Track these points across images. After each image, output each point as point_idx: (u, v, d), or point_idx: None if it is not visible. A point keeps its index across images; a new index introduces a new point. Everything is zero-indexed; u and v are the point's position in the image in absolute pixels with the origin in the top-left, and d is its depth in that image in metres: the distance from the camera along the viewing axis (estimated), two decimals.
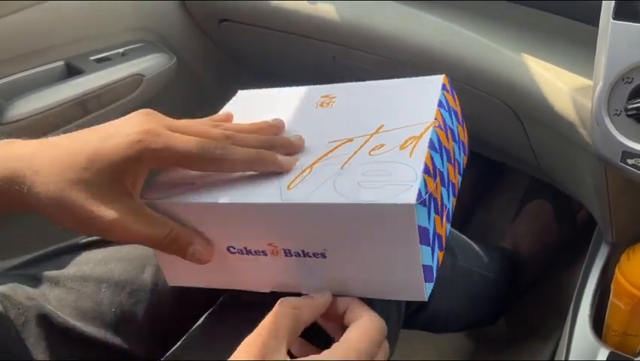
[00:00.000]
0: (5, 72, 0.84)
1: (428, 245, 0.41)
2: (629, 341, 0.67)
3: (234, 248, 0.46)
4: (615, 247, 0.74)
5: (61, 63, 0.89)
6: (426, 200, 0.40)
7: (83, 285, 0.56)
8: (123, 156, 0.41)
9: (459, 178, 0.51)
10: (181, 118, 0.46)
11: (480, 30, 0.68)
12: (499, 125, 0.77)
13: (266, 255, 0.45)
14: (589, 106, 0.55)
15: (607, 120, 0.53)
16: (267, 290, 0.47)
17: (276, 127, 0.50)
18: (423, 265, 0.41)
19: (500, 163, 1.04)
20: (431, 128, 0.45)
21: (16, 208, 0.44)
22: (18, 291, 0.54)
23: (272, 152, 0.45)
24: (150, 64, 0.93)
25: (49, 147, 0.43)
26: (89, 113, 0.87)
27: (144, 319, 0.57)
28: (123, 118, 0.44)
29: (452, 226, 0.77)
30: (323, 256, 0.43)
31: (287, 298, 0.42)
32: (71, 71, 0.89)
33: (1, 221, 0.89)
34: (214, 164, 0.43)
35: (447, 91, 0.51)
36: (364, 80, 0.88)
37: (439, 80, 0.51)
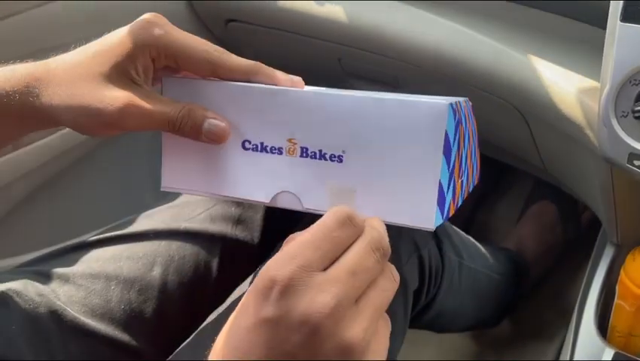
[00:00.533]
0: None
1: (448, 165, 0.41)
2: (634, 342, 0.68)
3: (250, 143, 0.45)
4: (620, 248, 0.74)
5: None
6: (456, 113, 0.41)
7: (92, 282, 0.57)
8: (125, 45, 0.43)
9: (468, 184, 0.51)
10: None
11: (487, 32, 0.68)
12: (505, 127, 0.77)
13: (281, 153, 0.44)
14: (595, 108, 0.55)
15: (614, 122, 0.53)
16: (267, 201, 0.45)
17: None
18: (440, 182, 0.41)
19: (503, 164, 1.04)
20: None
21: (31, 125, 0.47)
22: (29, 287, 0.54)
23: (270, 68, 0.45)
24: None
25: (60, 60, 0.45)
26: None
27: (152, 316, 0.58)
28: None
29: (456, 226, 0.78)
30: (340, 159, 0.43)
31: (338, 207, 0.36)
32: None
33: (11, 218, 0.89)
34: (211, 63, 0.44)
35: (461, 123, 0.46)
36: (371, 80, 0.88)
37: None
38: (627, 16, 0.50)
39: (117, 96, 0.43)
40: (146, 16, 0.44)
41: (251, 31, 0.95)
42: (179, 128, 0.44)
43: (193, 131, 0.44)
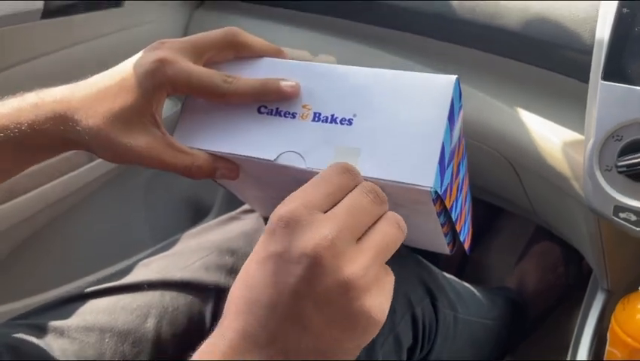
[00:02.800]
0: None
1: (451, 133, 0.44)
2: None
3: (266, 108, 0.48)
4: (611, 294, 0.75)
5: None
6: (461, 92, 0.45)
7: (86, 335, 0.57)
8: (143, 89, 0.46)
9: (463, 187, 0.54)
10: None
11: (477, 84, 0.70)
12: (496, 174, 0.79)
13: (294, 117, 0.47)
14: (581, 161, 0.56)
15: (598, 175, 0.54)
16: (272, 159, 0.46)
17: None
18: (442, 144, 0.42)
19: (496, 206, 1.06)
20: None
21: (61, 148, 0.50)
22: (24, 342, 0.55)
23: (275, 79, 0.48)
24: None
25: (82, 87, 0.49)
26: (95, 159, 0.89)
27: None
28: (138, 54, 0.49)
29: (454, 273, 0.79)
30: (349, 122, 0.45)
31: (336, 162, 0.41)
32: None
33: (9, 261, 0.90)
34: (220, 96, 0.47)
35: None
36: None
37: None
38: (608, 75, 0.52)
39: (137, 144, 0.47)
40: (157, 53, 0.47)
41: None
42: (192, 176, 0.48)
43: (204, 177, 0.49)
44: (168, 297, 0.61)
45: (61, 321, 0.58)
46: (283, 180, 0.48)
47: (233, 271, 0.64)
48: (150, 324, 0.59)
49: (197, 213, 1.17)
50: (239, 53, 0.50)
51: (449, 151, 0.45)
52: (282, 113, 0.47)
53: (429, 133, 0.43)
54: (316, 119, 0.46)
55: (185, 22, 1.00)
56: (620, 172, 0.53)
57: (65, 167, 0.86)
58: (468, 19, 0.67)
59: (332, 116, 0.46)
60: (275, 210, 0.37)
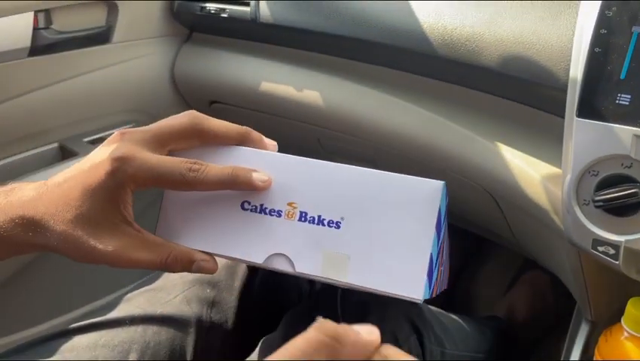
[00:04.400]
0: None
1: (438, 240, 0.43)
2: None
3: (249, 204, 0.46)
4: (595, 325, 0.75)
5: (55, 145, 0.92)
6: (447, 194, 0.44)
7: None
8: (106, 190, 0.44)
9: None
10: None
11: (457, 119, 0.71)
12: (480, 207, 0.80)
13: (280, 216, 0.45)
14: (559, 194, 0.57)
15: (577, 210, 0.55)
16: (260, 262, 0.46)
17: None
18: (430, 255, 0.42)
19: (481, 237, 1.07)
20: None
21: (28, 250, 0.48)
22: None
23: (247, 169, 0.46)
24: None
25: (47, 190, 0.47)
26: None
27: None
28: (100, 146, 0.47)
29: (439, 301, 0.79)
30: (337, 225, 0.44)
31: (326, 321, 0.31)
32: (65, 154, 0.91)
33: None
34: (188, 185, 0.45)
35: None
36: (350, 158, 0.91)
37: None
38: (582, 112, 0.53)
39: (107, 246, 0.45)
40: (117, 150, 0.45)
41: (234, 112, 0.98)
42: (168, 270, 0.47)
43: (181, 270, 0.47)
44: (150, 332, 0.61)
45: (41, 359, 0.58)
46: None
47: (214, 304, 0.64)
48: (132, 360, 0.59)
49: None
50: (205, 141, 0.48)
51: (437, 256, 0.44)
52: (267, 211, 0.46)
53: (417, 244, 0.43)
54: (303, 219, 0.45)
55: (173, 57, 1.01)
56: (597, 206, 0.53)
57: None
58: (450, 56, 0.68)
59: (319, 217, 0.45)
60: None
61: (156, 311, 0.62)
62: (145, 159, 0.45)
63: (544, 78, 0.61)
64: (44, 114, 0.90)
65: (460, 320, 0.86)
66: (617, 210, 0.52)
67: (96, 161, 0.46)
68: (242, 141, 0.48)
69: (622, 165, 0.52)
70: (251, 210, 0.46)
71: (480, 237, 1.10)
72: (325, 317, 0.31)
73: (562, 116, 0.56)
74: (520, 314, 1.04)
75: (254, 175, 0.46)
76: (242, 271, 0.66)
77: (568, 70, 0.56)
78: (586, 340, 0.75)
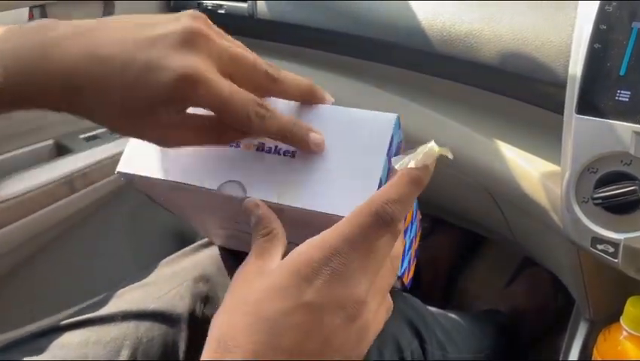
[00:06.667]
0: None
1: (389, 170, 0.45)
2: None
3: None
4: (594, 324, 0.75)
5: (50, 142, 0.91)
6: (400, 128, 0.46)
7: None
8: (162, 99, 0.40)
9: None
10: None
11: (455, 116, 0.71)
12: (479, 205, 0.79)
13: (238, 147, 0.47)
14: (558, 192, 0.57)
15: (576, 207, 0.55)
16: (214, 188, 0.46)
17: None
18: (380, 180, 0.43)
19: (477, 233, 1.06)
20: None
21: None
22: None
23: (306, 128, 0.44)
24: None
25: (94, 62, 0.40)
26: (76, 192, 0.88)
27: None
28: (169, 25, 0.41)
29: (439, 300, 0.79)
30: (292, 155, 0.45)
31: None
32: (60, 150, 0.91)
33: None
34: (248, 128, 0.42)
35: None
36: None
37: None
38: (581, 109, 0.53)
39: (151, 136, 0.44)
40: (187, 54, 0.40)
41: None
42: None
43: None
44: (142, 328, 0.60)
45: (29, 357, 0.57)
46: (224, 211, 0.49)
47: (207, 300, 0.63)
48: (124, 356, 0.58)
49: (180, 244, 1.16)
50: (269, 93, 0.45)
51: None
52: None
53: (367, 169, 0.44)
54: (260, 149, 0.47)
55: None
56: (596, 204, 0.53)
57: (45, 200, 0.86)
58: (448, 53, 0.68)
59: (276, 147, 0.46)
60: (310, 255, 0.36)
61: (148, 307, 0.61)
62: (219, 87, 0.40)
63: (543, 74, 0.60)
64: (39, 111, 0.89)
65: (460, 320, 0.86)
66: (617, 207, 0.52)
67: (159, 54, 0.39)
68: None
69: (621, 162, 0.52)
70: None
71: (479, 235, 1.10)
72: None
73: (561, 113, 0.55)
74: (521, 308, 1.04)
75: (312, 136, 0.44)
76: (235, 267, 0.66)
77: (567, 66, 0.55)
78: (585, 339, 0.75)
